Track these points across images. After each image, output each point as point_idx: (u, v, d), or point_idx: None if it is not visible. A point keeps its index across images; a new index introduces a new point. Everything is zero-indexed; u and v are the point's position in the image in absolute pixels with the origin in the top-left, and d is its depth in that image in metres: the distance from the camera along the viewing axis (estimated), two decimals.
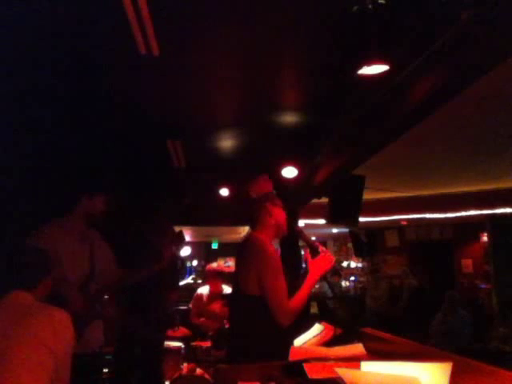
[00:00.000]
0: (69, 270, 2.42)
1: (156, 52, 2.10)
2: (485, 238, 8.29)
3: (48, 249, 2.37)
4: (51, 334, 1.46)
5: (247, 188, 2.44)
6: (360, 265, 11.08)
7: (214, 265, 5.00)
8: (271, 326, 2.18)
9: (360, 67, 1.98)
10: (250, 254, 2.24)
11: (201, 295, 4.83)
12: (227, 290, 4.72)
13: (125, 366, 3.38)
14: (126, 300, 3.38)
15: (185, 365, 3.75)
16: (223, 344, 3.87)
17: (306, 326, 2.38)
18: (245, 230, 8.62)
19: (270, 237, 2.35)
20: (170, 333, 3.99)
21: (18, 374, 1.37)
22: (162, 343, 3.76)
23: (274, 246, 2.33)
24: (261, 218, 2.37)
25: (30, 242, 2.29)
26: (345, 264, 11.76)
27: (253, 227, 2.43)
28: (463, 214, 7.30)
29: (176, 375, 3.54)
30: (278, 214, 2.38)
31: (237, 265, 2.43)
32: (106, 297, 2.82)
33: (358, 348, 1.73)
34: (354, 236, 8.27)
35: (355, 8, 1.72)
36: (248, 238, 2.39)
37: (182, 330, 4.13)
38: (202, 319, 4.64)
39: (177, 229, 3.23)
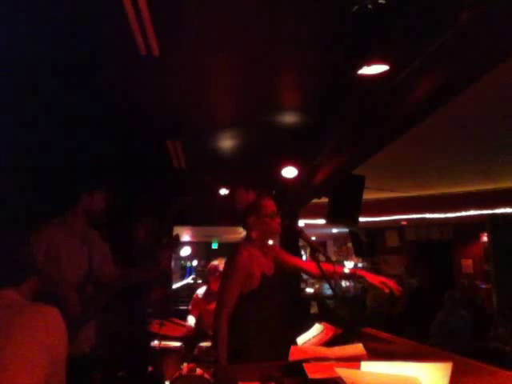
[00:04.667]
0: (67, 269, 2.42)
1: (156, 52, 2.10)
2: (485, 238, 8.29)
3: (49, 248, 2.38)
4: (45, 332, 1.46)
5: (231, 201, 2.55)
6: (360, 265, 11.08)
7: (216, 263, 4.97)
8: (271, 325, 2.18)
9: (360, 67, 1.98)
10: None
11: (200, 296, 4.82)
12: None
13: (111, 366, 3.35)
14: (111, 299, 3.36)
15: (185, 365, 3.75)
16: None
17: (306, 326, 2.38)
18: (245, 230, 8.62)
19: (260, 243, 2.44)
20: (170, 332, 3.98)
21: (13, 373, 1.36)
22: (148, 341, 3.74)
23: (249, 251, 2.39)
24: (247, 229, 2.48)
25: (31, 240, 2.29)
26: (346, 264, 11.77)
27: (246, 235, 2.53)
28: (463, 214, 7.31)
29: (176, 375, 3.53)
30: (263, 224, 2.41)
31: None
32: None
33: (357, 348, 1.73)
34: (354, 236, 8.28)
35: (355, 8, 1.72)
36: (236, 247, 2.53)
37: (182, 330, 4.12)
38: (202, 320, 4.63)
39: (177, 229, 3.24)
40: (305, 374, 1.49)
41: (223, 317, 2.21)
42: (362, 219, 4.46)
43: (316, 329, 2.31)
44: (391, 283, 2.31)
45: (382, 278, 2.36)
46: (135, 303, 3.47)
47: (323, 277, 2.24)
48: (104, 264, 2.64)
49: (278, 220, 2.45)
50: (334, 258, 11.96)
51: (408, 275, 8.89)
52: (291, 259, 2.59)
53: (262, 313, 2.28)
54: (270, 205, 2.44)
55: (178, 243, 2.90)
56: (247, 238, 2.48)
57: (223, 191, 4.58)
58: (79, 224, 2.58)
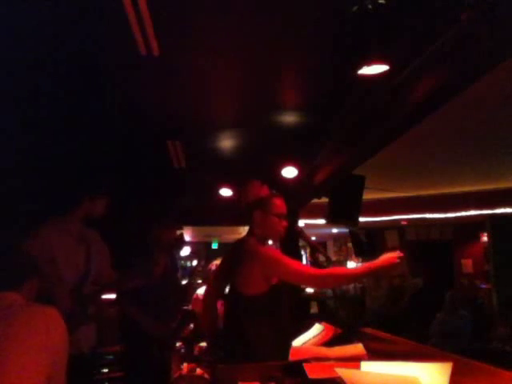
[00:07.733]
0: (64, 269, 2.42)
1: (156, 52, 2.10)
2: (485, 238, 8.29)
3: (44, 248, 2.38)
4: (45, 333, 1.46)
5: (240, 193, 2.46)
6: (360, 265, 11.08)
7: (217, 263, 4.96)
8: (270, 326, 2.18)
9: (360, 67, 1.98)
10: (245, 258, 2.24)
11: (200, 296, 4.82)
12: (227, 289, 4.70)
13: (137, 366, 3.33)
14: (141, 299, 3.32)
15: (185, 365, 3.74)
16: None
17: (306, 326, 2.38)
18: (245, 230, 8.60)
19: (261, 240, 2.35)
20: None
21: (14, 374, 1.36)
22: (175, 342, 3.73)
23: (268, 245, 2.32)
24: (251, 223, 2.38)
25: (26, 242, 2.29)
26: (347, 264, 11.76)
27: (249, 230, 2.43)
28: (463, 214, 7.31)
29: (176, 375, 3.53)
30: (269, 222, 2.33)
31: (228, 266, 2.43)
32: (103, 297, 2.80)
33: (357, 348, 1.73)
34: (353, 236, 8.26)
35: (355, 8, 1.72)
36: (241, 242, 2.41)
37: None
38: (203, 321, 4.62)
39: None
40: (305, 374, 1.49)
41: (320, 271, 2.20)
42: (362, 219, 4.45)
43: (316, 329, 2.31)
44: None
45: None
46: (168, 303, 3.44)
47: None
48: (101, 264, 2.64)
49: (285, 223, 2.37)
50: (333, 258, 11.95)
51: (412, 275, 8.88)
52: None
53: (278, 311, 2.26)
54: (280, 204, 2.36)
55: (181, 242, 2.89)
56: (250, 233, 2.39)
57: (223, 191, 4.57)
58: (77, 225, 2.58)
